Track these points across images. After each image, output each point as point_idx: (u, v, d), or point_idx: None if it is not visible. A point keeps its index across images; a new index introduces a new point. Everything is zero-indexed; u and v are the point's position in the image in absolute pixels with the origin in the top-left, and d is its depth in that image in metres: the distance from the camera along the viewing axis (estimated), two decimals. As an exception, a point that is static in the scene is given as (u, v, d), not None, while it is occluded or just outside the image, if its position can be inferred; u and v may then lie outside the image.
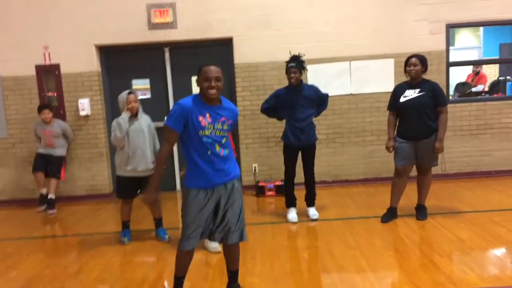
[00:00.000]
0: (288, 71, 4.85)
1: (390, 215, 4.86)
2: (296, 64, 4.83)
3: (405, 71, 4.70)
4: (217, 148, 2.92)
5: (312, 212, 5.11)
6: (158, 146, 4.58)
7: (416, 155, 4.69)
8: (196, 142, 2.90)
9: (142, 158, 4.39)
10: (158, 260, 4.17)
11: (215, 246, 4.21)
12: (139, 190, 4.57)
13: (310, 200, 5.19)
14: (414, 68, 4.59)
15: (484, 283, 3.27)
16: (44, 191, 6.21)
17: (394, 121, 4.82)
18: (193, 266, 3.89)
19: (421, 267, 3.61)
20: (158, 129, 4.55)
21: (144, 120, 4.52)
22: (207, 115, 2.89)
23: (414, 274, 3.48)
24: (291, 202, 5.16)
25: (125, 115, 4.35)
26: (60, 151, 6.30)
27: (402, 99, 4.66)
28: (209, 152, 2.91)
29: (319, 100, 5.04)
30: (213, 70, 2.88)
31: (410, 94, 4.63)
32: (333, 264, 3.78)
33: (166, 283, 3.65)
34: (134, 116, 4.44)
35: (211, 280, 3.61)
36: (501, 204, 5.23)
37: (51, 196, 6.15)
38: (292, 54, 4.93)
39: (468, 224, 4.56)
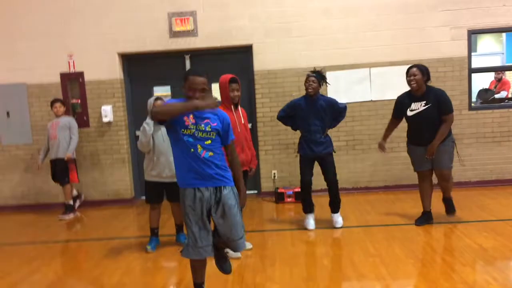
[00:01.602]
0: (306, 80, 4.81)
1: (424, 219, 4.88)
2: (316, 75, 4.82)
3: (407, 81, 4.67)
4: (199, 149, 2.93)
5: (336, 219, 5.05)
6: None
7: (431, 160, 4.68)
8: (179, 140, 2.95)
9: (166, 164, 4.41)
10: (178, 265, 4.20)
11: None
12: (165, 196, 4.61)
13: (334, 207, 5.09)
14: (414, 77, 4.55)
15: (508, 293, 3.22)
16: (70, 201, 6.28)
17: (393, 126, 4.95)
18: (212, 271, 3.91)
19: (442, 276, 3.55)
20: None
21: None
22: (191, 116, 2.92)
23: (435, 282, 3.43)
24: (308, 208, 5.11)
25: (149, 121, 4.38)
26: (62, 154, 6.14)
27: (409, 113, 4.68)
28: (191, 150, 2.93)
29: (335, 113, 4.95)
30: (199, 82, 2.90)
31: (417, 107, 4.62)
32: (353, 271, 3.75)
33: (186, 288, 3.68)
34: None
35: (230, 287, 3.62)
36: (525, 213, 5.13)
37: (66, 202, 6.22)
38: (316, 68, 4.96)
39: (491, 233, 4.47)
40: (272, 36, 6.54)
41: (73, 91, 6.77)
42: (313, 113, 4.85)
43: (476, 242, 4.25)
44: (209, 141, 2.97)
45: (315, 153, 4.89)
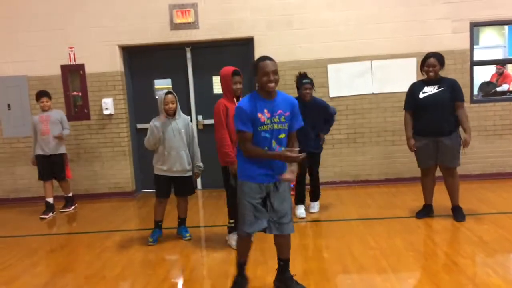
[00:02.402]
0: (302, 87, 4.97)
1: (425, 212, 4.90)
2: (310, 81, 5.00)
3: (422, 69, 4.68)
4: (273, 144, 3.05)
5: (313, 205, 5.37)
6: (196, 147, 4.55)
7: (437, 155, 4.64)
8: (255, 137, 3.04)
9: (177, 158, 4.37)
10: (179, 258, 4.22)
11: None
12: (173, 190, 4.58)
13: (314, 196, 5.40)
14: (434, 69, 4.58)
15: (508, 286, 3.22)
16: (50, 199, 6.07)
17: (411, 120, 4.78)
18: (214, 264, 3.97)
19: (443, 268, 3.57)
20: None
21: (181, 120, 4.47)
22: (265, 110, 3.02)
23: (436, 275, 3.44)
24: (299, 200, 5.30)
25: (158, 122, 4.33)
26: (60, 148, 6.02)
27: (421, 95, 4.63)
28: (266, 148, 3.04)
29: (326, 116, 5.17)
30: (270, 64, 3.00)
31: (430, 90, 4.61)
32: (353, 264, 3.77)
33: (184, 281, 3.69)
34: (171, 116, 4.39)
35: (231, 278, 3.63)
36: (526, 206, 5.13)
37: (68, 195, 6.25)
38: (301, 71, 5.15)
39: (492, 226, 4.48)
40: (273, 28, 6.51)
41: (73, 83, 6.76)
42: (306, 117, 4.75)
43: (477, 234, 4.26)
44: (283, 135, 3.09)
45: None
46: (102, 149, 6.82)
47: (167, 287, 3.58)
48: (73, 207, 6.30)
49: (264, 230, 3.21)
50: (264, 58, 3.05)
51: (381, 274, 3.53)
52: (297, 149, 3.03)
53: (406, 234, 4.43)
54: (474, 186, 6.10)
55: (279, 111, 3.04)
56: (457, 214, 4.75)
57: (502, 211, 4.98)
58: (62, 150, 6.10)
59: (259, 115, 3.00)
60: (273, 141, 3.05)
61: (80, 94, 6.75)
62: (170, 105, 4.34)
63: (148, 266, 4.04)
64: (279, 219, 3.17)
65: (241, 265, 3.33)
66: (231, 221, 4.34)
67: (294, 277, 3.34)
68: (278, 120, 3.03)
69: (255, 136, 3.04)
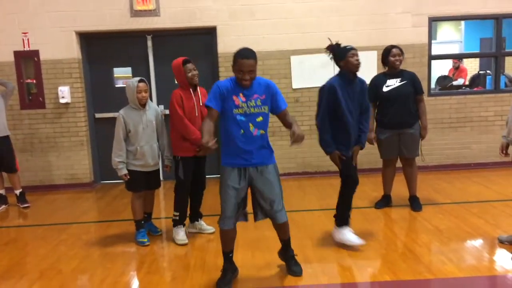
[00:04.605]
0: (349, 53, 3.71)
1: (384, 202, 5.01)
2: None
3: (386, 61, 4.71)
4: (251, 127, 3.05)
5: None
6: (166, 138, 4.27)
7: (399, 147, 4.74)
8: (230, 120, 3.04)
9: (150, 152, 4.13)
10: (139, 250, 4.13)
11: (183, 238, 4.19)
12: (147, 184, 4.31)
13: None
14: (399, 58, 4.65)
15: (462, 273, 3.33)
16: (2, 191, 5.75)
17: (374, 113, 4.85)
18: (175, 255, 3.91)
19: (400, 257, 3.66)
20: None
21: (152, 110, 4.22)
22: (241, 94, 3.04)
23: (393, 263, 3.53)
24: (343, 219, 4.10)
25: (128, 114, 4.08)
26: (3, 129, 5.53)
27: (385, 89, 4.68)
28: (242, 131, 3.03)
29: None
30: (247, 64, 2.98)
31: (393, 83, 4.67)
32: (314, 254, 3.80)
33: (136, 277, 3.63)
34: (142, 106, 4.13)
35: (192, 270, 3.60)
36: (479, 196, 5.33)
37: (19, 191, 5.72)
38: (330, 42, 3.91)
39: (446, 215, 4.63)
40: (236, 18, 6.44)
41: (28, 70, 6.47)
42: (352, 99, 3.76)
43: (433, 224, 4.39)
44: (261, 118, 3.09)
45: (351, 148, 4.13)
46: (58, 139, 6.57)
47: (126, 280, 3.50)
48: (3, 206, 5.74)
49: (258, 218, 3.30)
50: (243, 55, 3.00)
51: (342, 263, 3.59)
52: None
53: (365, 223, 4.51)
54: (431, 177, 6.29)
55: (255, 95, 3.07)
56: (415, 204, 4.88)
57: (456, 201, 5.16)
58: (6, 131, 5.57)
59: (234, 97, 3.02)
60: (250, 124, 3.04)
61: (34, 81, 6.47)
62: (143, 94, 4.08)
63: (106, 259, 3.93)
64: (270, 207, 3.18)
65: (226, 254, 3.29)
66: (176, 213, 4.22)
67: (296, 257, 3.47)
68: (254, 104, 3.05)
69: (231, 118, 3.03)
